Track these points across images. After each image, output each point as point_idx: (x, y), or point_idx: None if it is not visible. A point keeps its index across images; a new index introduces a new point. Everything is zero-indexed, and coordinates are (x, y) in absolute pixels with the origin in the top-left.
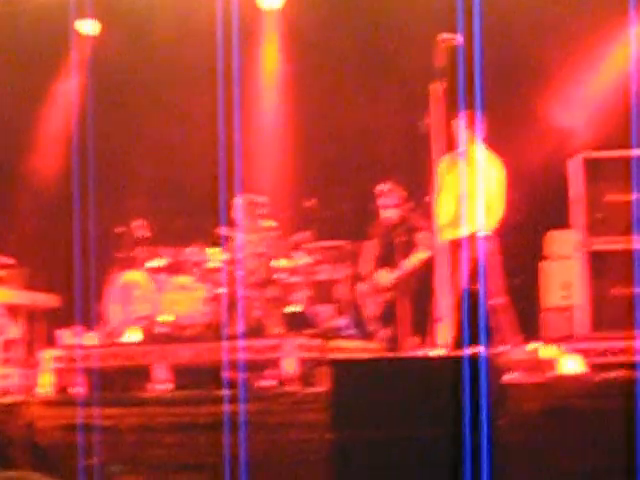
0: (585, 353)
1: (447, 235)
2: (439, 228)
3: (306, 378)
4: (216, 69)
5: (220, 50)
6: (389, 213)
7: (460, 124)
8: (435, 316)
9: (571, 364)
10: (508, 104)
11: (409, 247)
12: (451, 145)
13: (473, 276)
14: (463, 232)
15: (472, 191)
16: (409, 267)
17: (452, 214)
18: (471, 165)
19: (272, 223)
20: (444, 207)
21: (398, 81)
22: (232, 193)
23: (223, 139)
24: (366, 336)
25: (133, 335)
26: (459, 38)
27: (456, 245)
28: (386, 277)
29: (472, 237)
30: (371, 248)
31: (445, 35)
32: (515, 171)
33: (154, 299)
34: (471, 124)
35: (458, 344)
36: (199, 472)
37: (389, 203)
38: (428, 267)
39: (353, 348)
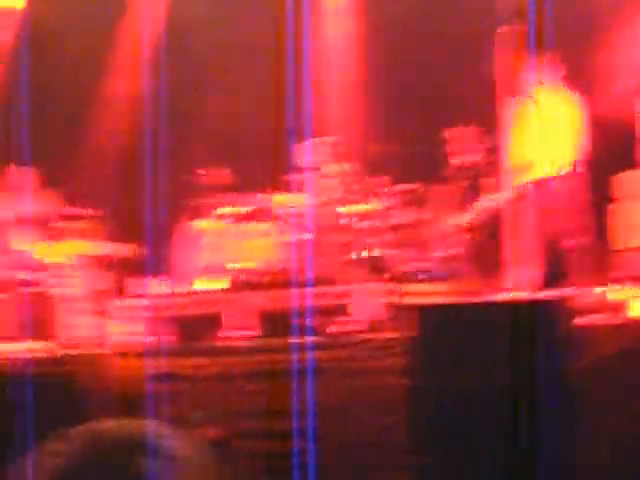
0: None
1: (521, 177)
2: (513, 170)
3: (382, 323)
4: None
5: None
6: (460, 156)
7: (532, 66)
8: (509, 259)
9: None
10: (577, 44)
11: (481, 190)
12: (521, 87)
13: (550, 218)
14: (538, 173)
15: (546, 132)
16: (483, 210)
17: (526, 156)
18: (545, 106)
19: (344, 167)
20: (517, 149)
21: (466, 21)
22: (304, 137)
23: (292, 81)
24: (440, 279)
25: (207, 283)
26: None
27: (527, 188)
28: (460, 220)
29: (543, 179)
30: (444, 191)
31: None
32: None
33: (227, 246)
34: (543, 65)
35: (535, 286)
36: (280, 420)
37: (460, 146)
38: (502, 210)
39: (428, 292)
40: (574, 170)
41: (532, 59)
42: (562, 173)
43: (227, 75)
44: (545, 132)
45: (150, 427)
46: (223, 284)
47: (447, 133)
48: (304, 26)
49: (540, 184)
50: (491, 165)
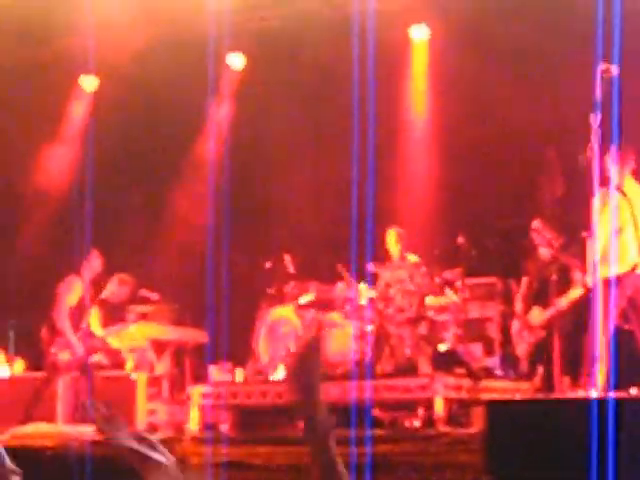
0: None
1: (601, 272)
2: (594, 265)
3: (457, 418)
4: (365, 103)
5: (356, 79)
6: (542, 250)
7: (613, 158)
8: (589, 356)
9: None
10: None
11: (563, 285)
12: (605, 180)
13: (627, 315)
14: (617, 269)
15: (625, 227)
16: (563, 305)
17: (606, 251)
18: (624, 201)
19: (419, 259)
20: (598, 244)
21: (552, 111)
22: (381, 228)
23: (372, 173)
24: (518, 376)
25: (282, 372)
26: (615, 69)
27: (610, 283)
28: (539, 315)
29: (626, 274)
30: (524, 285)
31: (604, 65)
32: None
33: (303, 336)
34: (624, 158)
35: (612, 385)
36: None
37: (541, 240)
38: (582, 306)
39: (504, 388)
40: None
41: (617, 150)
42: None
43: (306, 166)
44: (627, 226)
45: None
46: None
47: (531, 225)
48: (371, 122)
49: (620, 279)
50: (575, 259)
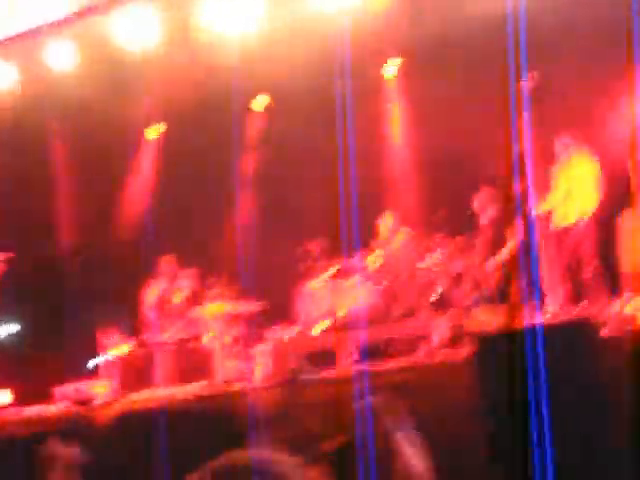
0: None
1: (548, 223)
2: (541, 217)
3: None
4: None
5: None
6: (484, 213)
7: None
8: (541, 287)
9: None
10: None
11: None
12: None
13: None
14: (562, 220)
15: (570, 187)
16: (507, 253)
17: (554, 206)
18: (573, 168)
19: (410, 231)
20: (549, 202)
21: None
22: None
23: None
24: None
25: (320, 327)
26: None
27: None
28: (494, 261)
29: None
30: (479, 241)
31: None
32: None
33: (332, 298)
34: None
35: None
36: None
37: (482, 205)
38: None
39: (483, 318)
40: (589, 219)
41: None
42: (580, 222)
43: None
44: (569, 187)
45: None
46: (332, 326)
47: (474, 196)
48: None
49: (564, 229)
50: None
